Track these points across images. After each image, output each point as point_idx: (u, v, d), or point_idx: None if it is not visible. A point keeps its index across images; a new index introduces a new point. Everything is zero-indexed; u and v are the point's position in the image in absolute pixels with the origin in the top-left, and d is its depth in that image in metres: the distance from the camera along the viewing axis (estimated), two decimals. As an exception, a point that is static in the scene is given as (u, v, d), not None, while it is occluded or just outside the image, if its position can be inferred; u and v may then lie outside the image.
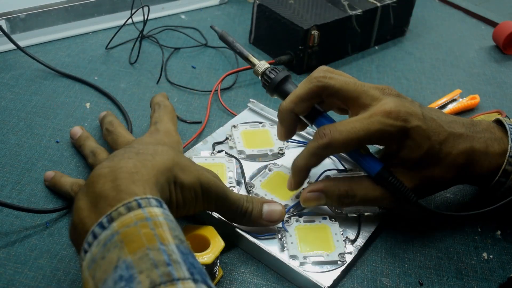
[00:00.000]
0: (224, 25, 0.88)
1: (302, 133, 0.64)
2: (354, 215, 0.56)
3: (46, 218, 0.54)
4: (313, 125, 0.55)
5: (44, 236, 0.52)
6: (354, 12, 0.79)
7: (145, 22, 0.76)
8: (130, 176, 0.40)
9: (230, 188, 0.52)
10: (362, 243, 0.53)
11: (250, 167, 0.60)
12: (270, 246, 0.51)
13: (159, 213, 0.38)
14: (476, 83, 0.82)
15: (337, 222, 0.54)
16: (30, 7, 0.76)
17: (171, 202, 0.44)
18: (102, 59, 0.77)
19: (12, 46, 0.72)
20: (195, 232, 0.48)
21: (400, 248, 0.55)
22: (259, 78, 0.58)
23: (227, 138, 0.63)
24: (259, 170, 0.60)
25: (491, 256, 0.55)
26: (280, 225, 0.53)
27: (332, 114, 0.56)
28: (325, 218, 0.54)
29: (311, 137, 0.63)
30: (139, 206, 0.38)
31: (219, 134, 0.64)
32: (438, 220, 0.58)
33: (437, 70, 0.84)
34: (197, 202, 0.46)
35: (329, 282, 0.49)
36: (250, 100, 0.68)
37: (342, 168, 0.60)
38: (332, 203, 0.54)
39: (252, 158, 0.61)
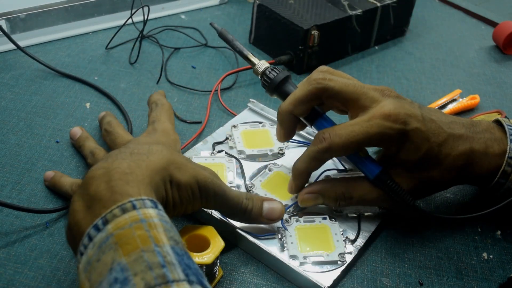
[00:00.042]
0: (224, 25, 0.88)
1: (302, 133, 0.64)
2: (354, 215, 0.56)
3: (46, 218, 0.54)
4: (312, 127, 0.55)
5: (44, 236, 0.52)
6: (354, 12, 0.79)
7: (145, 22, 0.76)
8: (125, 177, 0.40)
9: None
10: (362, 243, 0.53)
11: (250, 167, 0.60)
12: (270, 246, 0.51)
13: (153, 214, 0.38)
14: (476, 83, 0.82)
15: (337, 222, 0.54)
16: (30, 7, 0.76)
17: (168, 201, 0.43)
18: (102, 59, 0.77)
19: (12, 46, 0.72)
20: (195, 232, 0.48)
21: (400, 248, 0.55)
22: (259, 77, 0.58)
23: (227, 138, 0.63)
24: (259, 170, 0.60)
25: (491, 256, 0.55)
26: (280, 224, 0.53)
27: (332, 114, 0.56)
28: (325, 218, 0.54)
29: (311, 137, 0.64)
30: (134, 207, 0.37)
31: (219, 134, 0.64)
32: (438, 221, 0.58)
33: (437, 70, 0.84)
34: (194, 200, 0.46)
35: (329, 282, 0.49)
36: (250, 100, 0.68)
37: (342, 168, 0.60)
38: (329, 204, 0.54)
39: (252, 158, 0.61)
